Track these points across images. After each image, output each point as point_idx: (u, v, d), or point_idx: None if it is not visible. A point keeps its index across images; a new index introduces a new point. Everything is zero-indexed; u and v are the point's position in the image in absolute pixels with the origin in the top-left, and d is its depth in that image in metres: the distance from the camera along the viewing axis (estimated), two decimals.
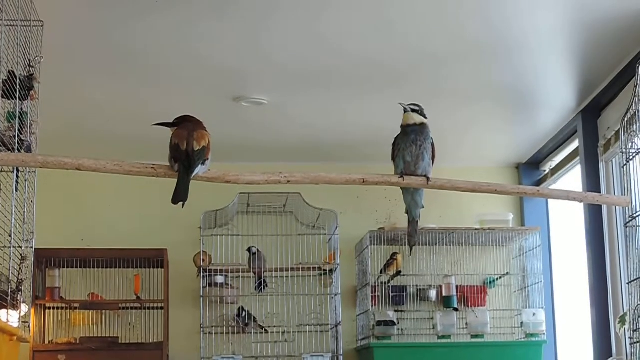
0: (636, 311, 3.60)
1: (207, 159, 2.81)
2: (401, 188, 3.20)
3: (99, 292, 5.69)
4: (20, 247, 3.37)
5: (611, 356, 4.75)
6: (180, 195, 2.70)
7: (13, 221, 3.30)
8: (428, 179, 3.03)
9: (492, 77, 4.62)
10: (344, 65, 4.41)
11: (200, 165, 2.76)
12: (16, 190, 3.32)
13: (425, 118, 3.18)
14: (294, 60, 4.34)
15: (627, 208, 3.69)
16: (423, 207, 3.25)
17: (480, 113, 5.19)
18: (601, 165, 4.92)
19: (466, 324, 5.67)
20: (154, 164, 2.78)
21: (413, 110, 3.15)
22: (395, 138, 3.16)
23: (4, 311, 3.29)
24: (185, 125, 2.89)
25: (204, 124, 2.92)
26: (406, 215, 3.25)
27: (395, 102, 4.80)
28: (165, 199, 6.51)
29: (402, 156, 3.07)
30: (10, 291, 3.27)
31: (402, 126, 3.15)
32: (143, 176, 2.83)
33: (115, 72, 4.47)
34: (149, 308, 5.67)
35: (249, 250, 5.63)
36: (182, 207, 2.70)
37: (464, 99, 4.94)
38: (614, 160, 4.86)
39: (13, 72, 3.27)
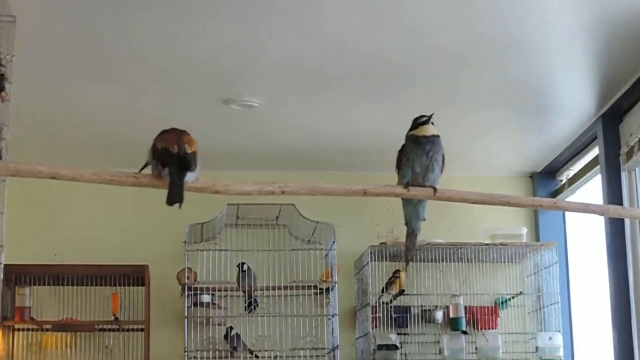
0: None
1: (197, 166, 2.83)
2: (402, 198, 3.22)
3: (73, 312, 5.69)
4: None
5: None
6: (175, 196, 2.70)
7: None
8: (435, 189, 3.05)
9: (505, 79, 4.64)
10: (344, 65, 4.43)
11: (192, 172, 2.78)
12: None
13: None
14: (288, 59, 4.35)
15: None
16: (424, 220, 3.26)
17: (492, 118, 5.22)
18: (623, 175, 4.94)
19: (475, 348, 5.69)
20: (136, 173, 2.78)
21: (432, 123, 3.20)
22: (403, 146, 3.18)
23: None
24: (170, 131, 2.90)
25: (189, 132, 2.94)
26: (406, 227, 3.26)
27: (398, 106, 4.84)
28: (147, 211, 6.55)
29: (411, 166, 3.09)
30: None
31: (416, 136, 3.17)
32: (124, 186, 2.83)
33: (95, 72, 4.48)
34: (128, 330, 5.67)
35: (238, 266, 5.64)
36: (179, 208, 2.70)
37: (473, 102, 4.96)
38: (637, 169, 4.88)
39: None
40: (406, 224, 3.23)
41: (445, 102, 4.89)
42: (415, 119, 3.18)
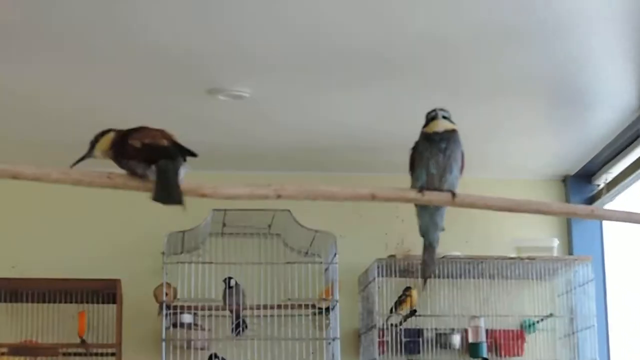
0: None
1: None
2: (417, 205, 3.22)
3: (33, 334, 5.69)
4: None
5: None
6: (173, 193, 2.70)
7: None
8: (454, 194, 3.05)
9: (530, 67, 4.62)
10: (348, 49, 4.42)
11: (184, 168, 2.80)
12: None
13: (454, 124, 3.21)
14: (283, 42, 4.35)
15: None
16: (443, 230, 3.25)
17: (516, 112, 5.22)
18: None
19: None
20: (110, 173, 2.79)
21: (444, 117, 3.18)
22: (416, 144, 3.18)
23: None
24: (145, 129, 2.91)
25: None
26: (422, 238, 3.26)
27: (408, 99, 4.85)
28: (120, 217, 6.55)
29: (425, 167, 3.08)
30: None
31: (428, 133, 3.16)
32: (95, 187, 2.83)
33: (53, 58, 4.46)
34: (96, 354, 5.68)
35: (224, 282, 5.64)
36: (184, 209, 2.70)
37: (492, 94, 4.96)
38: None
39: None
40: (423, 235, 3.22)
41: (458, 95, 4.89)
42: (427, 114, 3.18)
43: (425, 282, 3.33)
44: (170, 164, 2.75)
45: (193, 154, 2.78)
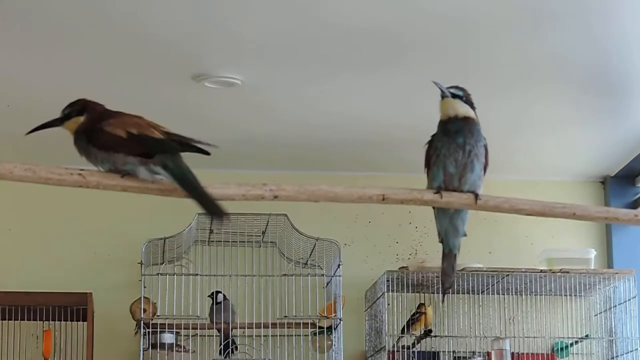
0: None
1: None
2: (434, 207, 3.23)
3: None
4: None
5: None
6: (216, 206, 2.74)
7: None
8: (477, 196, 3.06)
9: (563, 53, 4.63)
10: (354, 30, 4.43)
11: None
12: None
13: (473, 108, 3.20)
14: (279, 20, 4.34)
15: None
16: (465, 235, 3.27)
17: (545, 103, 5.23)
18: None
19: None
20: (81, 170, 2.80)
21: (454, 96, 3.16)
22: (432, 137, 3.18)
23: None
24: (113, 114, 2.93)
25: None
26: (440, 245, 3.27)
27: (424, 88, 4.85)
28: (92, 222, 6.55)
29: (442, 165, 3.09)
30: None
31: (441, 121, 3.16)
32: (65, 186, 2.85)
33: (17, 38, 4.45)
34: None
35: (211, 296, 5.65)
36: (222, 221, 2.73)
37: (517, 83, 4.97)
38: None
39: None
40: (441, 241, 3.24)
41: (481, 83, 4.86)
42: None
43: (444, 295, 3.33)
44: (183, 167, 2.77)
45: (204, 151, 2.80)
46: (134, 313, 5.60)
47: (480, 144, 3.12)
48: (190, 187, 2.76)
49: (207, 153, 2.85)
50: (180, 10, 4.25)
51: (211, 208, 2.73)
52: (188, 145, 2.83)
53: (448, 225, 3.19)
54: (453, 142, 3.09)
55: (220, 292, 5.66)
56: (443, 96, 3.15)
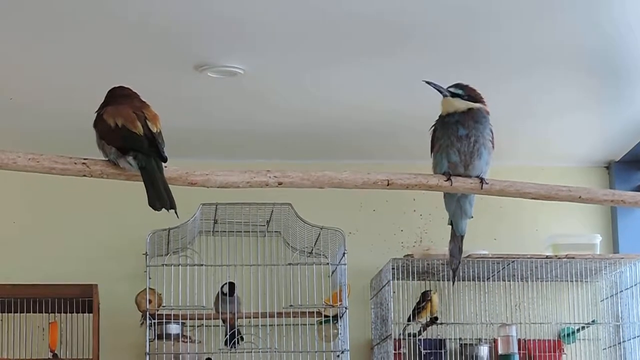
0: None
1: None
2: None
3: None
4: None
5: None
6: (164, 197, 2.72)
7: None
8: (482, 180, 3.06)
9: (569, 37, 4.62)
10: (358, 15, 4.41)
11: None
12: None
13: (476, 101, 3.21)
14: (282, 7, 4.33)
15: None
16: (472, 217, 3.28)
17: (550, 88, 5.22)
18: None
19: None
20: (85, 159, 2.79)
21: (454, 95, 3.19)
22: (435, 125, 3.19)
23: None
24: (120, 101, 2.92)
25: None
26: (445, 232, 3.28)
27: (429, 74, 4.82)
28: (97, 213, 6.55)
29: (444, 154, 3.10)
30: None
31: (440, 116, 3.18)
32: (68, 176, 2.84)
33: (11, 25, 4.43)
34: None
35: (220, 289, 5.64)
36: (177, 216, 2.72)
37: (526, 67, 4.96)
38: None
39: None
40: (450, 223, 3.25)
41: (485, 69, 4.89)
42: None
43: (454, 275, 3.34)
44: (151, 161, 2.75)
45: (161, 156, 2.79)
46: (140, 304, 5.60)
47: (486, 131, 3.15)
48: (149, 183, 2.75)
49: (164, 160, 2.84)
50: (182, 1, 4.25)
51: (161, 197, 2.73)
52: (155, 147, 2.81)
53: (456, 207, 3.22)
54: (453, 134, 3.12)
55: (227, 283, 5.63)
56: (444, 96, 3.18)
